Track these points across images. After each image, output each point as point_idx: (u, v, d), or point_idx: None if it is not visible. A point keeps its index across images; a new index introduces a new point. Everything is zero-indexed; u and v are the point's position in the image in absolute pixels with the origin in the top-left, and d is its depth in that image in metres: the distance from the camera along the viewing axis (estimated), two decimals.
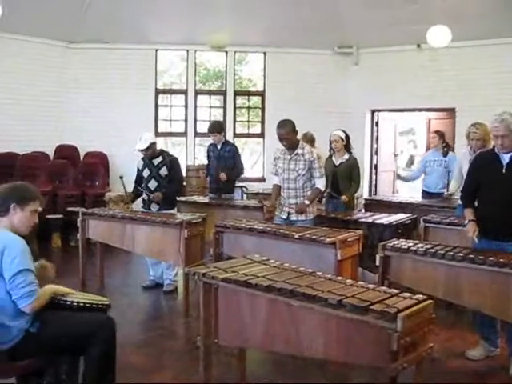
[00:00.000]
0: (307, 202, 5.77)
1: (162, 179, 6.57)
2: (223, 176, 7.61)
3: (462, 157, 6.35)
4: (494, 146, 4.59)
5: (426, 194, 8.17)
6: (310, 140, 7.94)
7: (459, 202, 5.98)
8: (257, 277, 3.51)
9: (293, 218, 5.84)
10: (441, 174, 7.98)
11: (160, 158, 6.62)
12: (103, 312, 3.66)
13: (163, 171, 6.56)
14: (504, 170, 4.45)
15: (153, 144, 6.54)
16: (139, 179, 6.73)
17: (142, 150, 6.52)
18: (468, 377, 4.41)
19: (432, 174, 8.10)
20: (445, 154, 8.02)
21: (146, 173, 6.63)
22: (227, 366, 4.26)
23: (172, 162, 6.64)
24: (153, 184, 6.58)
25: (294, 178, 5.82)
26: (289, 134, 5.76)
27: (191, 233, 5.76)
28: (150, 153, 6.55)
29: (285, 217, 5.90)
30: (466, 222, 4.62)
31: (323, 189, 6.02)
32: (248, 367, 4.10)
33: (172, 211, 6.56)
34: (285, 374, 4.40)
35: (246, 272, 3.64)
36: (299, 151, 5.83)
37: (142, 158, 6.70)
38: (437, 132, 8.37)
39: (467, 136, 6.22)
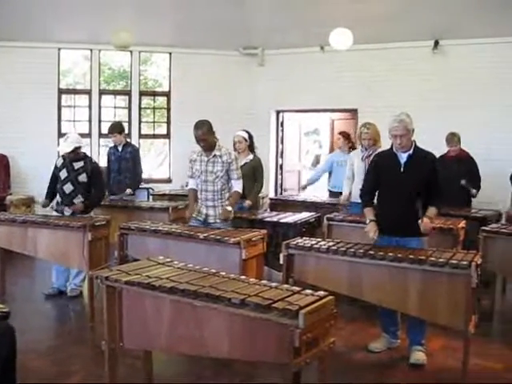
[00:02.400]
0: (230, 209, 5.71)
1: (79, 185, 6.30)
2: (130, 192, 7.79)
3: (354, 155, 6.54)
4: (391, 146, 4.75)
5: (332, 193, 8.32)
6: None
7: (353, 199, 6.19)
8: (160, 279, 3.50)
9: (210, 220, 5.78)
10: (344, 174, 8.14)
11: (81, 163, 6.32)
12: (2, 320, 3.52)
13: (82, 177, 6.29)
14: (402, 169, 4.62)
15: (77, 148, 6.31)
16: (55, 178, 6.45)
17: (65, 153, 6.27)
18: (370, 369, 4.55)
19: (338, 174, 8.23)
20: (348, 154, 8.23)
21: (63, 174, 6.34)
22: (133, 368, 4.21)
23: (94, 170, 6.37)
24: (68, 188, 6.30)
25: (212, 180, 5.73)
26: (206, 135, 5.63)
27: (95, 236, 5.63)
28: (73, 156, 6.28)
29: (202, 219, 5.82)
30: (367, 221, 4.76)
31: (241, 191, 5.94)
32: (155, 369, 4.06)
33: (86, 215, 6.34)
34: (192, 374, 4.39)
35: (149, 274, 3.61)
36: (217, 153, 5.74)
37: (63, 157, 6.39)
38: (342, 133, 8.56)
39: (359, 136, 6.47)
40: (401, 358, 4.73)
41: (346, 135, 8.51)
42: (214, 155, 5.74)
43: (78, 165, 6.32)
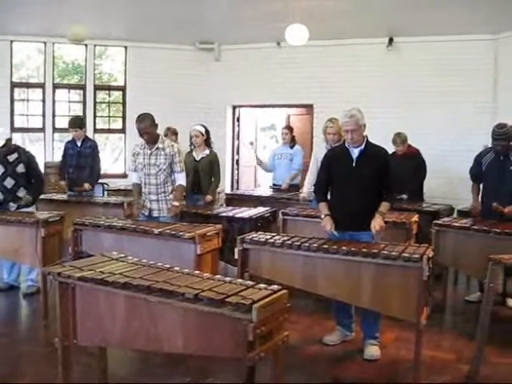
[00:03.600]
0: (176, 203, 5.73)
1: (20, 177, 6.18)
2: (88, 187, 7.58)
3: (319, 151, 6.56)
4: (344, 141, 4.80)
5: (275, 187, 8.35)
6: (175, 133, 7.97)
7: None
8: (114, 274, 3.47)
9: (155, 214, 5.80)
10: (287, 167, 8.23)
11: (15, 155, 6.21)
12: None
13: (20, 168, 6.18)
14: (354, 164, 4.67)
15: (8, 140, 6.20)
16: None
17: None
18: (325, 362, 4.59)
19: (280, 167, 8.32)
20: (291, 147, 8.29)
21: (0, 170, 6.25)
22: (88, 366, 4.15)
23: (29, 159, 6.27)
24: (9, 182, 6.16)
25: (155, 173, 5.75)
26: (148, 128, 5.66)
27: (48, 232, 5.54)
28: (5, 150, 6.17)
29: (146, 213, 5.83)
30: (322, 216, 4.79)
31: (185, 184, 5.97)
32: (110, 367, 4.01)
33: (30, 209, 6.24)
34: (148, 371, 4.35)
35: (103, 270, 3.57)
36: (159, 145, 5.76)
37: None
38: (288, 128, 8.60)
39: (324, 131, 6.49)
40: (355, 350, 4.78)
41: (291, 129, 8.56)
42: (157, 148, 5.75)
43: (12, 157, 6.19)
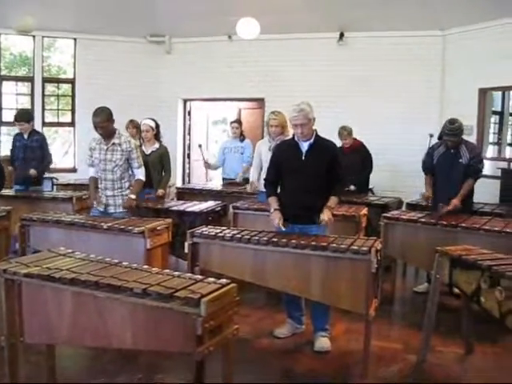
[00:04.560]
0: (133, 196, 5.66)
1: None
2: (33, 172, 7.31)
3: (261, 144, 6.57)
4: (293, 135, 4.82)
5: (226, 181, 8.35)
6: (136, 126, 7.87)
7: (260, 188, 6.24)
8: (61, 270, 3.42)
9: (110, 210, 5.70)
10: (238, 161, 8.23)
11: None
12: None
13: None
14: (303, 158, 4.69)
15: None
16: None
17: None
18: (276, 355, 4.60)
19: (230, 160, 8.31)
20: (241, 141, 8.31)
21: None
22: (37, 365, 4.07)
23: None
24: None
25: (112, 168, 5.64)
26: (104, 123, 5.51)
27: None
28: None
29: (102, 209, 5.72)
30: (272, 210, 4.79)
31: (144, 179, 5.88)
32: (60, 364, 3.97)
33: None
34: (98, 368, 4.28)
35: (49, 266, 3.52)
36: (116, 141, 5.64)
37: None
38: (237, 122, 8.59)
39: (267, 123, 6.49)
40: (306, 342, 4.82)
41: (240, 122, 8.57)
42: (113, 143, 5.65)
43: None
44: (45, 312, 3.47)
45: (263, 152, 6.33)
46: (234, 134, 8.38)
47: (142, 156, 6.72)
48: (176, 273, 3.37)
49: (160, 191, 6.84)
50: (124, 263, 3.59)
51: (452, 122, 5.93)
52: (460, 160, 5.97)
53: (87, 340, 3.44)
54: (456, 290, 5.58)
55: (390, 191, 8.18)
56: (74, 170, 10.44)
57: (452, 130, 5.88)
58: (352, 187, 7.14)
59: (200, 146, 8.64)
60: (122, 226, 4.96)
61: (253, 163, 6.76)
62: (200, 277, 3.28)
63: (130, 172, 5.77)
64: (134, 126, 7.81)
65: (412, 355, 4.53)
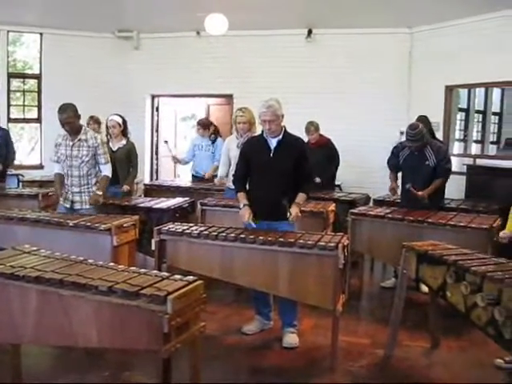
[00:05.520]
0: (99, 193, 5.60)
1: None
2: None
3: (229, 141, 6.55)
4: (262, 131, 4.81)
5: (195, 178, 8.32)
6: (97, 122, 7.81)
7: (228, 185, 6.23)
8: (25, 268, 3.37)
9: (77, 206, 5.62)
10: (209, 158, 8.18)
11: None
12: None
13: None
14: (272, 154, 4.69)
15: None
16: None
17: None
18: (244, 351, 4.61)
19: (201, 158, 8.26)
20: (213, 140, 8.26)
21: None
22: (1, 363, 4.00)
23: None
24: None
25: (78, 165, 5.57)
26: (71, 119, 5.45)
27: None
28: None
29: (68, 205, 5.65)
30: (241, 206, 4.77)
31: (110, 175, 5.82)
32: (26, 363, 3.91)
33: None
34: (65, 366, 4.24)
35: (13, 264, 3.46)
36: (82, 137, 5.58)
37: None
38: (201, 123, 8.49)
39: (234, 120, 6.48)
40: (274, 339, 4.82)
41: (205, 123, 8.49)
42: (80, 139, 5.58)
43: None
44: (9, 311, 3.40)
45: (231, 149, 6.31)
46: (201, 135, 8.32)
47: (109, 152, 6.70)
48: (142, 270, 3.35)
49: (125, 187, 6.80)
50: (90, 261, 3.55)
51: (413, 127, 5.96)
52: (426, 162, 6.03)
53: (52, 339, 3.41)
54: (423, 287, 5.68)
55: (358, 187, 8.25)
56: (40, 167, 10.27)
57: (413, 136, 5.92)
58: (317, 179, 7.12)
59: (166, 142, 8.59)
60: (89, 223, 4.90)
61: (221, 160, 6.72)
62: (166, 274, 3.27)
63: (97, 168, 5.71)
64: (94, 121, 7.75)
65: (379, 350, 4.58)
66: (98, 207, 5.64)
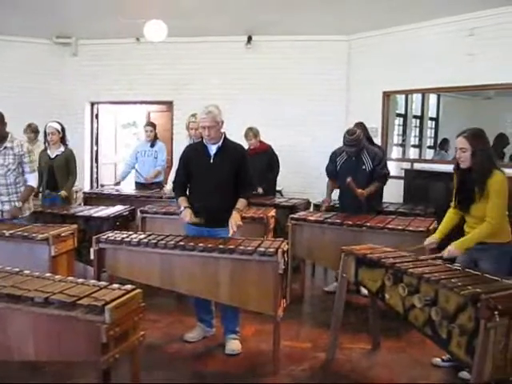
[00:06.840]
0: (19, 205, 5.45)
1: None
2: None
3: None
4: (202, 138, 4.81)
5: (139, 184, 8.25)
6: (34, 131, 7.67)
7: None
8: None
9: (6, 216, 5.50)
10: (152, 164, 8.15)
11: None
12: None
13: None
14: (211, 160, 4.69)
15: None
16: None
17: None
18: (186, 359, 4.59)
19: (144, 164, 8.20)
20: (153, 145, 8.23)
21: None
22: None
23: None
24: None
25: (4, 173, 5.41)
26: None
27: None
28: None
29: None
30: (182, 208, 4.75)
31: (35, 185, 5.70)
32: None
33: None
34: (3, 379, 4.10)
35: None
36: (8, 144, 5.44)
37: None
38: (151, 124, 8.48)
39: (187, 126, 6.49)
40: (216, 346, 4.83)
41: (154, 125, 8.48)
42: (5, 147, 5.44)
43: None
44: None
45: None
46: (149, 137, 8.26)
47: (46, 159, 6.59)
48: (80, 280, 3.31)
49: (62, 192, 6.70)
50: (26, 271, 3.49)
51: (350, 133, 6.07)
52: (363, 167, 6.13)
53: None
54: (363, 290, 5.77)
55: (299, 193, 8.33)
56: None
57: (351, 141, 6.02)
58: (260, 190, 7.16)
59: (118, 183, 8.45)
60: (26, 233, 4.79)
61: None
62: (104, 283, 3.24)
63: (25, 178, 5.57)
64: (31, 130, 7.63)
65: (321, 353, 4.64)
66: (35, 216, 5.52)
